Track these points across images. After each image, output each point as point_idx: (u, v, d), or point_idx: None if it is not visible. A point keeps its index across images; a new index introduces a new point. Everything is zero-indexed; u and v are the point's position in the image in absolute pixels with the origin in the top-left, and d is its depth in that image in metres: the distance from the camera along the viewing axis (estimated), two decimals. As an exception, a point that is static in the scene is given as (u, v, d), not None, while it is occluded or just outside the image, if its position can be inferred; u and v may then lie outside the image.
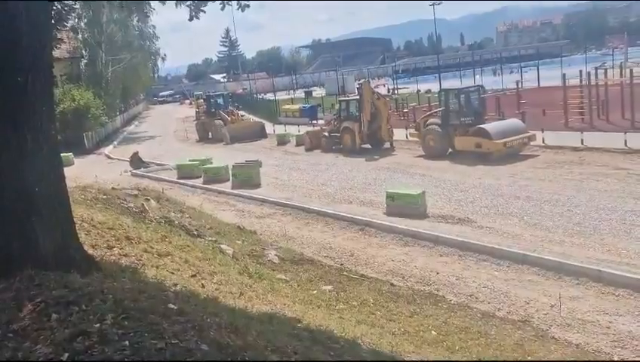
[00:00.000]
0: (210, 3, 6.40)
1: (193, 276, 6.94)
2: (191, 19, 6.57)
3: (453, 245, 12.78)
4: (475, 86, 25.30)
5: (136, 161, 29.11)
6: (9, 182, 4.42)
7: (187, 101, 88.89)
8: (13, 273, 4.29)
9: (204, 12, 6.51)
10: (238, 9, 6.41)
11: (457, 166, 21.64)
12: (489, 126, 22.26)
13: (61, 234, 4.67)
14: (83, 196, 11.09)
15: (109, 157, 36.32)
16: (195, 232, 11.79)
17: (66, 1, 6.31)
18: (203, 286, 6.35)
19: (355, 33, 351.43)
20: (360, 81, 31.13)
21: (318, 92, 76.02)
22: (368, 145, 27.79)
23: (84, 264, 4.77)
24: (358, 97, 27.85)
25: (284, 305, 6.76)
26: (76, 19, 42.83)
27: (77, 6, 37.67)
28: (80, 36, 46.84)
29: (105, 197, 11.92)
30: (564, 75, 27.05)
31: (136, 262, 6.77)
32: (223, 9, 6.44)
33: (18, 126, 4.42)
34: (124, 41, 51.75)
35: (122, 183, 20.56)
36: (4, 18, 4.36)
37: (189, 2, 6.39)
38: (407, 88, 60.25)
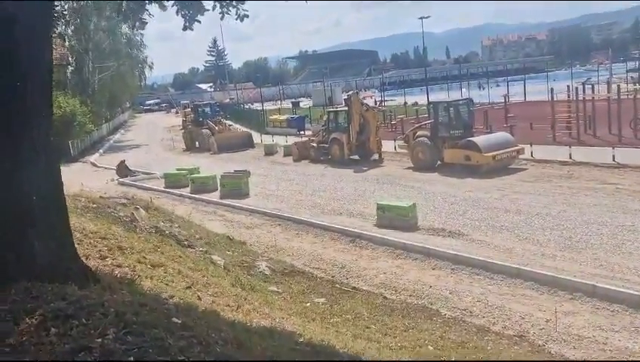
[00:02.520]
0: (204, 12, 6.28)
1: (188, 288, 6.77)
2: (184, 29, 6.46)
3: (446, 258, 12.70)
4: (464, 99, 25.46)
5: (122, 170, 28.80)
6: (4, 192, 4.26)
7: (173, 110, 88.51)
8: (9, 285, 4.12)
9: (199, 22, 6.40)
10: (236, 19, 6.31)
11: (447, 178, 21.66)
12: (478, 139, 22.36)
13: (58, 245, 4.51)
14: (73, 205, 10.85)
15: (95, 166, 35.91)
16: (186, 242, 11.61)
17: (54, 8, 6.13)
18: (199, 299, 6.19)
19: (341, 45, 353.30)
20: (349, 93, 31.21)
21: (305, 103, 76.14)
22: (356, 157, 27.81)
23: (81, 275, 4.60)
24: (346, 108, 27.91)
25: (282, 318, 6.62)
26: (63, 26, 42.47)
27: (65, 12, 37.35)
28: (67, 43, 46.47)
29: (95, 206, 11.70)
30: (552, 90, 27.32)
31: (129, 272, 6.59)
32: (222, 18, 6.34)
33: (14, 133, 4.27)
34: (112, 48, 51.44)
35: (109, 192, 20.32)
36: (1, 21, 4.22)
37: (184, 11, 6.27)
38: (395, 100, 60.50)
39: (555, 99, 27.44)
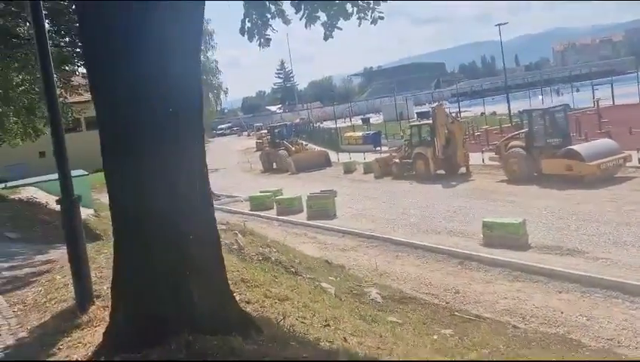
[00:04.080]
0: (348, 17, 5.73)
1: (326, 326, 6.14)
2: (326, 38, 5.94)
3: (573, 280, 11.52)
4: (560, 105, 23.90)
5: (207, 194, 28.98)
6: (159, 231, 3.75)
7: (245, 133, 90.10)
8: (168, 338, 3.59)
9: (340, 29, 5.86)
10: (371, 23, 5.73)
11: (547, 191, 20.24)
12: (580, 147, 20.87)
13: (217, 291, 3.97)
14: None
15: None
16: (292, 269, 11.05)
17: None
18: (345, 340, 5.53)
19: (404, 59, 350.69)
20: (433, 105, 30.22)
21: (375, 118, 75.46)
22: (442, 171, 26.74)
23: (242, 324, 4.04)
24: (430, 121, 26.97)
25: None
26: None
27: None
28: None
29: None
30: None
31: (259, 309, 6.06)
32: (360, 24, 5.77)
33: (169, 164, 3.77)
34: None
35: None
36: (154, 42, 3.76)
37: (324, 20, 5.76)
38: (470, 111, 58.57)
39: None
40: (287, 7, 6.13)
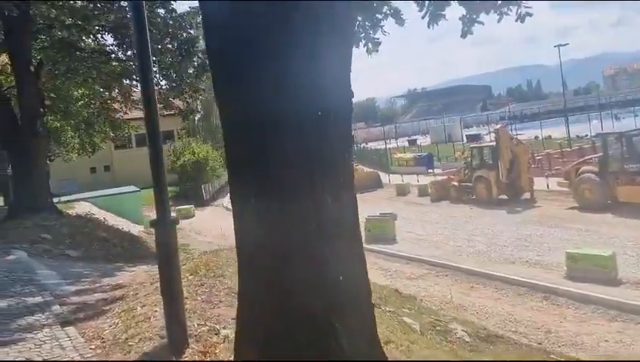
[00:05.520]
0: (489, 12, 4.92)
1: (447, 378, 5.25)
2: (464, 35, 5.18)
3: (685, 323, 10.27)
4: (638, 129, 22.46)
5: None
6: (301, 267, 2.96)
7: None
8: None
9: (482, 23, 5.04)
10: (516, 20, 4.92)
11: (626, 220, 18.79)
12: (662, 174, 19.41)
13: (368, 339, 3.15)
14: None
15: (227, 209, 36.17)
16: (370, 300, 10.15)
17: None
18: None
19: (449, 82, 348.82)
20: (497, 127, 29.02)
21: (421, 140, 74.34)
22: (504, 196, 25.46)
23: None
24: (493, 143, 25.83)
25: None
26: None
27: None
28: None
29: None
30: None
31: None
32: (499, 20, 4.92)
33: (316, 185, 2.98)
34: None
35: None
36: (305, 50, 3.02)
37: (462, 14, 4.97)
38: (522, 134, 56.77)
39: None
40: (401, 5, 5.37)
